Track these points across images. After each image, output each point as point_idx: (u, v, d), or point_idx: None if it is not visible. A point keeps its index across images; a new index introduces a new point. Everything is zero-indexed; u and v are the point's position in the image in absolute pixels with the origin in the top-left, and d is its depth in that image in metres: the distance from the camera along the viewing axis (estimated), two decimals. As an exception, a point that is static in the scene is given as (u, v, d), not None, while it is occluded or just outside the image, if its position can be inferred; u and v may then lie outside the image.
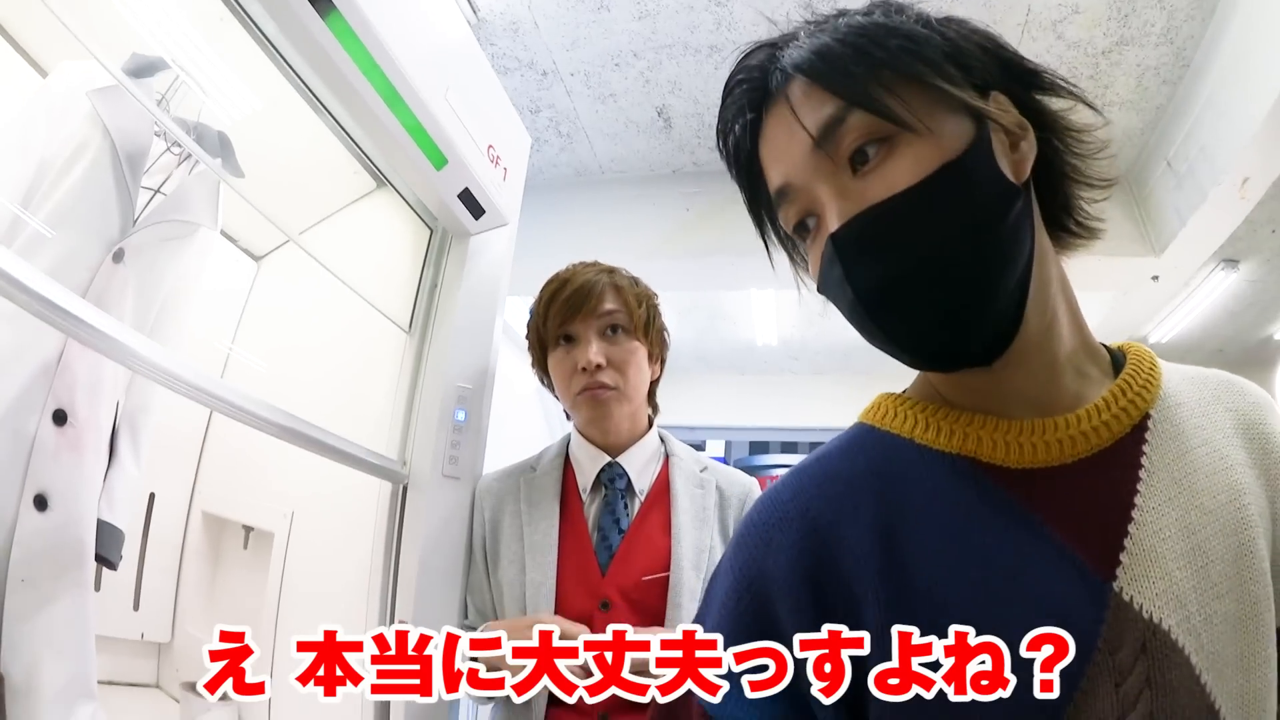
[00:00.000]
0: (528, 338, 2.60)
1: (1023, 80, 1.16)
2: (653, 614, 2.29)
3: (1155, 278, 6.45)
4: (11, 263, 1.58)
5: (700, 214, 6.73)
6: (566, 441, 2.65)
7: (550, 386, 2.61)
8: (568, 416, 2.66)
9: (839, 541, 1.11)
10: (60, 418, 2.30)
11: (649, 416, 2.66)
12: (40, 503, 2.26)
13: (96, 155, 2.40)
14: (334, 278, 2.86)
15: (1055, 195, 1.19)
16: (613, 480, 2.50)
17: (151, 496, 2.99)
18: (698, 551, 2.37)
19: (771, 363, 10.93)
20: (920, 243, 1.02)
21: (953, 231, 1.02)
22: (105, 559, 2.47)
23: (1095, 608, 1.01)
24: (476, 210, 2.84)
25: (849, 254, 1.06)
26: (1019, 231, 1.06)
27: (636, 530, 2.42)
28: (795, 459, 12.34)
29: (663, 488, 2.51)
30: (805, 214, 1.14)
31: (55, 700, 2.23)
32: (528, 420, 8.87)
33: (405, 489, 2.77)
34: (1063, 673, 0.98)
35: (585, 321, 2.43)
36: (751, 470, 12.14)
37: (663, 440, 2.66)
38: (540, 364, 2.59)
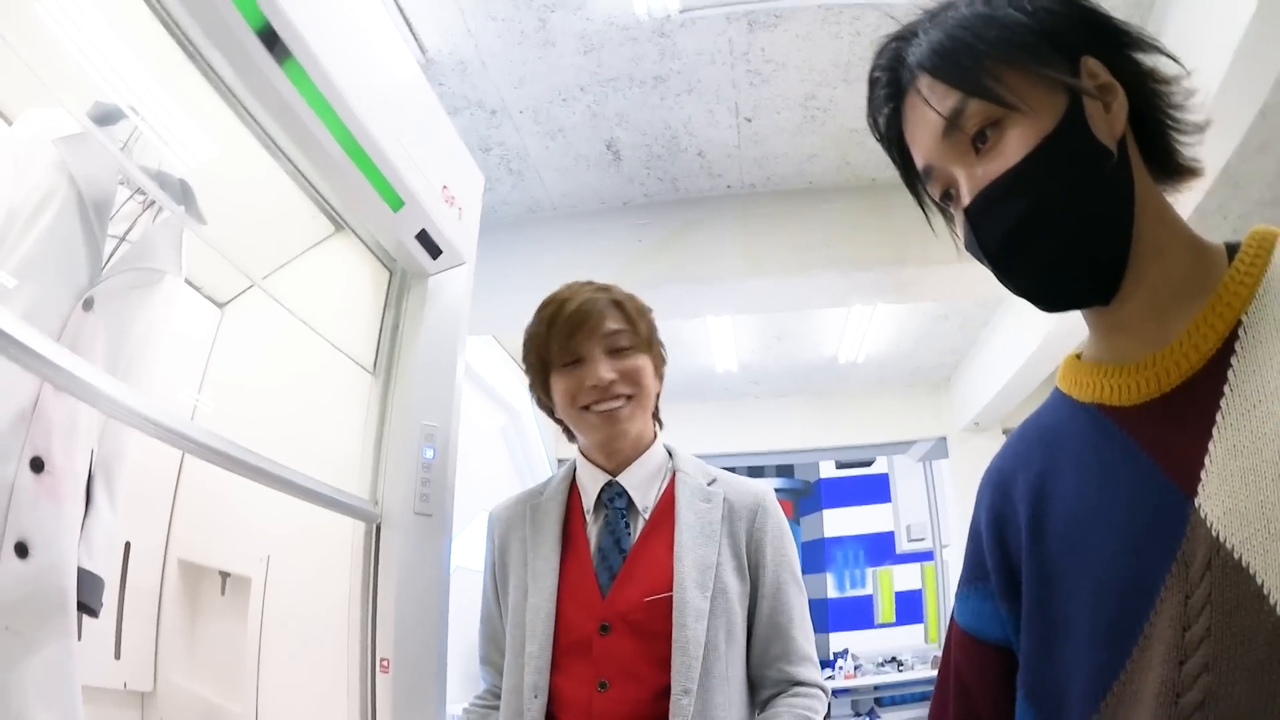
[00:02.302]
0: (526, 360, 2.51)
1: (1112, 41, 1.27)
2: (657, 636, 2.21)
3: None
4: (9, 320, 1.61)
5: (652, 244, 6.79)
6: (574, 466, 2.55)
7: (549, 409, 2.54)
8: (570, 437, 2.57)
9: (1013, 488, 1.38)
10: (38, 465, 2.29)
11: (654, 431, 2.56)
12: (21, 550, 2.24)
13: (64, 203, 2.42)
14: (298, 321, 2.88)
15: (1155, 142, 1.29)
16: (613, 500, 2.40)
17: (127, 545, 2.97)
18: (701, 569, 2.26)
19: (732, 389, 10.98)
20: (1030, 206, 1.20)
21: (1054, 194, 1.19)
22: (87, 606, 2.46)
23: (1178, 524, 1.11)
24: (434, 250, 2.86)
25: (978, 222, 1.25)
26: (1115, 185, 1.21)
27: (639, 550, 2.33)
28: (757, 481, 12.49)
29: (668, 504, 2.39)
30: (947, 187, 1.32)
31: (41, 749, 2.21)
32: (493, 458, 8.88)
33: (379, 528, 2.78)
34: (1143, 585, 1.13)
35: (590, 341, 2.35)
36: (717, 498, 12.26)
37: (670, 455, 2.53)
38: (542, 386, 2.49)
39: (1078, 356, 1.40)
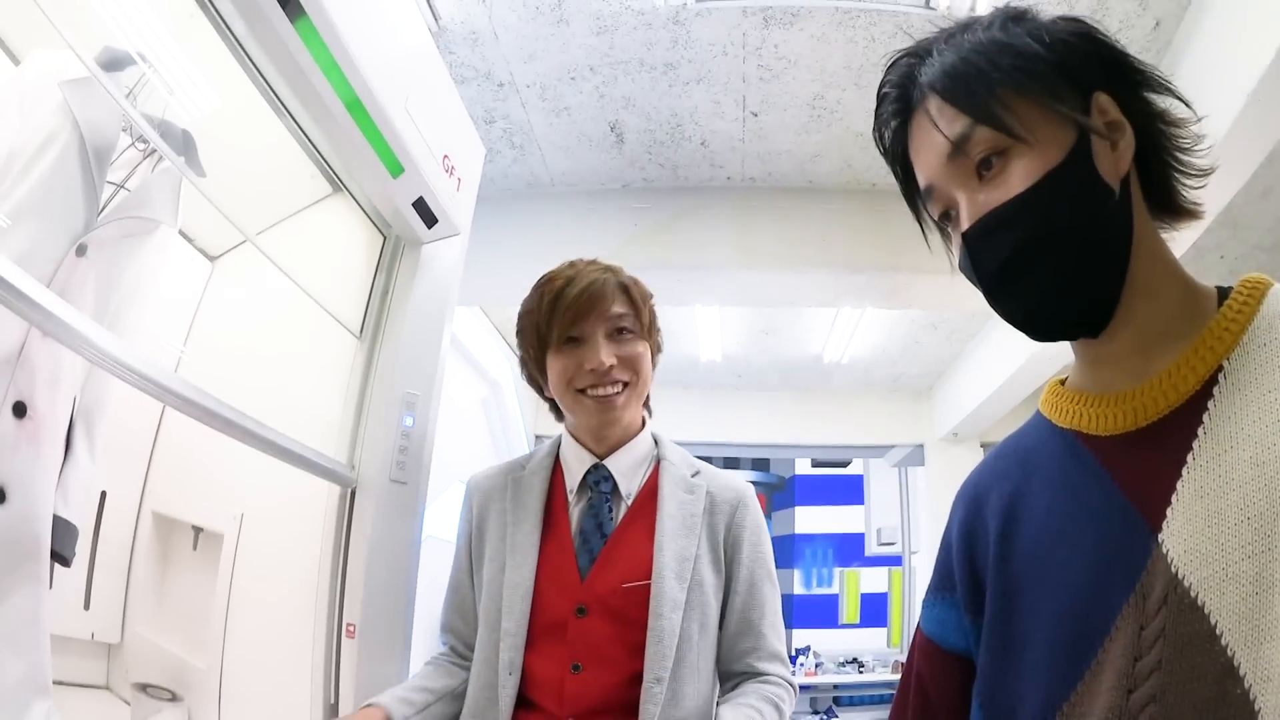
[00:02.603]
0: (521, 335, 2.47)
1: (1126, 79, 1.29)
2: (632, 623, 2.21)
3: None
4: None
5: (647, 229, 6.78)
6: (558, 442, 2.54)
7: (539, 386, 2.53)
8: (557, 415, 2.56)
9: (986, 504, 1.43)
10: (20, 410, 2.28)
11: (643, 418, 2.54)
12: (-1, 495, 2.24)
13: (65, 147, 2.40)
14: (288, 280, 2.87)
15: (1157, 182, 1.32)
16: (598, 483, 2.39)
17: (103, 495, 2.96)
18: (680, 560, 2.27)
19: (715, 379, 11.00)
20: (1028, 238, 1.23)
21: (1053, 228, 1.22)
22: (60, 555, 2.45)
23: (1141, 556, 1.16)
24: (430, 219, 2.85)
25: (976, 248, 1.29)
26: (1114, 223, 1.24)
27: (620, 536, 2.32)
28: (738, 475, 12.49)
29: (651, 493, 2.39)
30: (947, 208, 1.35)
31: (9, 696, 2.22)
32: (471, 430, 8.86)
33: (354, 493, 2.78)
34: (1101, 611, 1.19)
35: (594, 323, 2.32)
36: (692, 486, 12.27)
37: (656, 443, 2.53)
38: (536, 363, 2.44)
39: (1062, 382, 1.44)
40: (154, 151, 2.66)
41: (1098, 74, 1.28)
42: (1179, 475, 1.16)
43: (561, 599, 2.25)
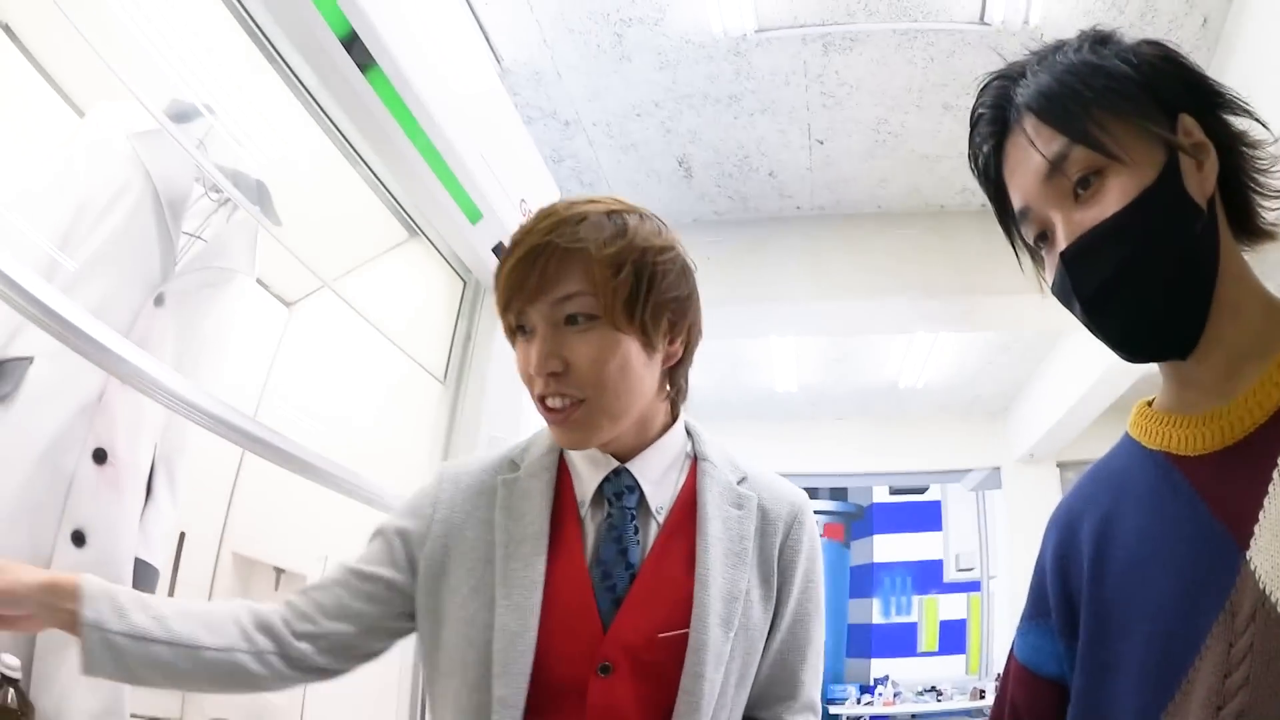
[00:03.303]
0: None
1: (1207, 101, 1.30)
2: (664, 682, 1.64)
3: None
4: (60, 302, 1.64)
5: (720, 263, 6.75)
6: None
7: None
8: None
9: (1080, 528, 1.41)
10: (100, 456, 2.32)
11: (669, 409, 1.86)
12: (78, 539, 2.29)
13: (138, 199, 2.44)
14: (367, 324, 2.90)
15: (1238, 203, 1.32)
16: (619, 495, 1.74)
17: (182, 535, 3.00)
18: (729, 600, 1.68)
19: (791, 409, 10.93)
20: (1125, 257, 1.23)
21: (1149, 247, 1.22)
22: (141, 596, 2.48)
23: (1229, 574, 1.15)
24: (510, 264, 2.88)
25: (1074, 268, 1.27)
26: (1203, 242, 1.24)
27: (654, 567, 1.70)
28: (816, 505, 12.32)
29: (688, 505, 1.78)
30: (1042, 229, 1.34)
31: (86, 732, 2.22)
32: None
33: (439, 535, 2.76)
34: (1191, 631, 1.17)
35: (535, 306, 1.64)
36: (771, 518, 12.23)
37: (690, 436, 1.90)
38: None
39: (1149, 404, 1.42)
40: (227, 201, 2.70)
41: (1182, 96, 1.29)
42: (1265, 492, 1.15)
43: (577, 653, 1.64)
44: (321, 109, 2.43)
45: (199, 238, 2.63)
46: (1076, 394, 8.27)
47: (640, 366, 1.69)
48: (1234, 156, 1.30)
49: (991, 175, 1.44)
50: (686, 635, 1.65)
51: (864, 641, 13.56)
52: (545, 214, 1.72)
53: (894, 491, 15.51)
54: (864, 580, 15.25)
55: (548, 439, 1.85)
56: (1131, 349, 1.30)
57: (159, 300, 2.47)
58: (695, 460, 1.86)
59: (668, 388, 1.83)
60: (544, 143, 5.86)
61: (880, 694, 13.63)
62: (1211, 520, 1.20)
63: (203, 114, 2.59)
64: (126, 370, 1.77)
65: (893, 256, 6.69)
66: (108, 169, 2.46)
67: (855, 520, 16.20)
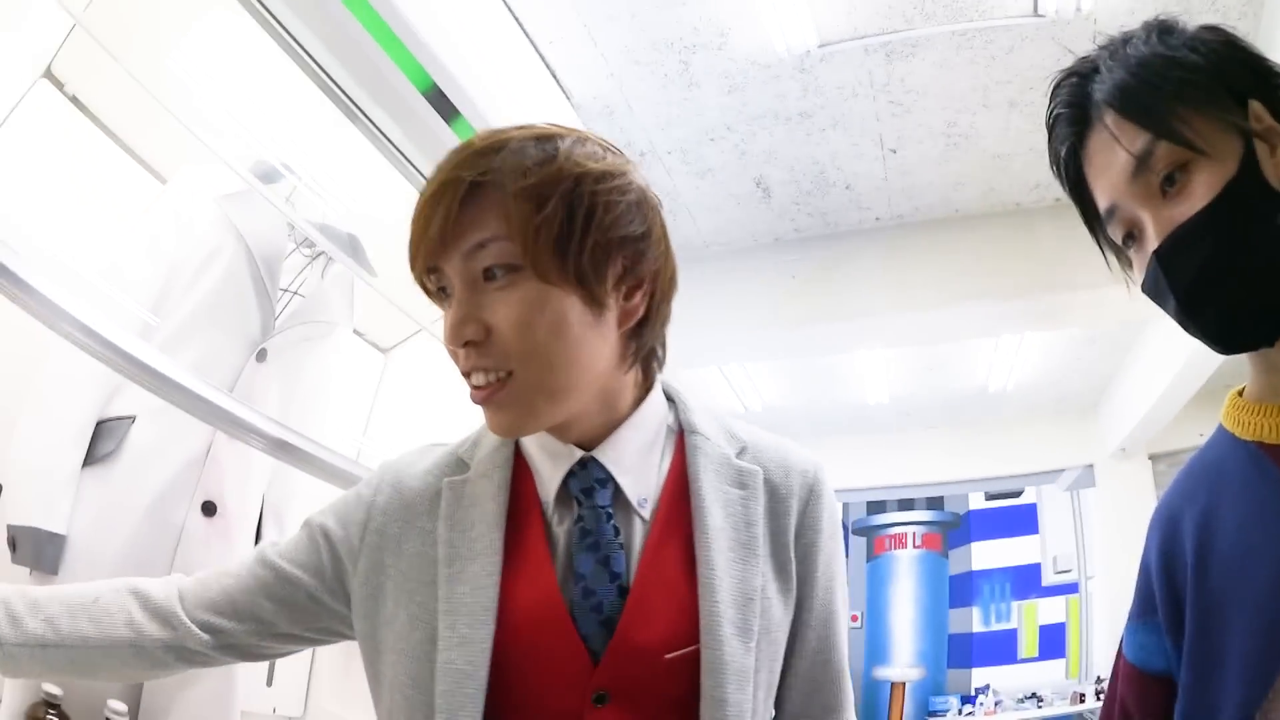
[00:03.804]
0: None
1: (1271, 86, 1.29)
2: (676, 705, 1.35)
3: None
4: (158, 359, 1.70)
5: (805, 280, 6.76)
6: None
7: None
8: None
9: (1181, 525, 1.39)
10: (209, 509, 2.39)
11: (641, 378, 1.53)
12: (190, 588, 2.35)
13: (232, 259, 2.52)
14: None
15: None
16: (589, 491, 1.42)
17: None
18: (743, 603, 1.39)
19: (883, 421, 10.84)
20: (1216, 250, 1.22)
21: (1238, 238, 1.22)
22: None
23: None
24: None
25: (1169, 264, 1.25)
26: None
27: (647, 575, 1.39)
28: (913, 516, 12.28)
29: (679, 493, 1.47)
30: (1130, 228, 1.34)
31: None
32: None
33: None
34: None
35: (450, 261, 1.32)
36: (870, 531, 12.09)
37: (672, 403, 1.59)
38: None
39: (1240, 394, 1.41)
40: (320, 254, 2.77)
41: (1249, 82, 1.28)
42: None
43: (561, 687, 1.34)
44: (407, 159, 2.48)
45: (296, 293, 2.69)
46: (1164, 383, 8.15)
47: (583, 328, 1.34)
48: None
49: (1072, 175, 1.43)
50: (698, 652, 1.34)
51: (965, 651, 13.42)
52: (461, 147, 1.39)
53: (989, 497, 15.31)
54: (963, 589, 15.05)
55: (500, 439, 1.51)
56: (1224, 340, 1.30)
57: (261, 356, 2.54)
58: (682, 434, 1.53)
59: (631, 355, 1.46)
60: (620, 174, 5.90)
61: (981, 704, 13.47)
62: None
63: (286, 174, 2.65)
64: (227, 421, 1.82)
65: (973, 259, 6.64)
66: (197, 232, 2.53)
67: (952, 529, 15.98)
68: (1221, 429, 1.41)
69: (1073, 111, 1.39)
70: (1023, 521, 15.42)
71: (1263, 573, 1.22)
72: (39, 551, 2.23)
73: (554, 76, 5.08)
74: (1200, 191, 1.23)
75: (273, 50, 2.54)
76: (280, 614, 1.48)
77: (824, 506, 1.54)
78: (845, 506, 11.58)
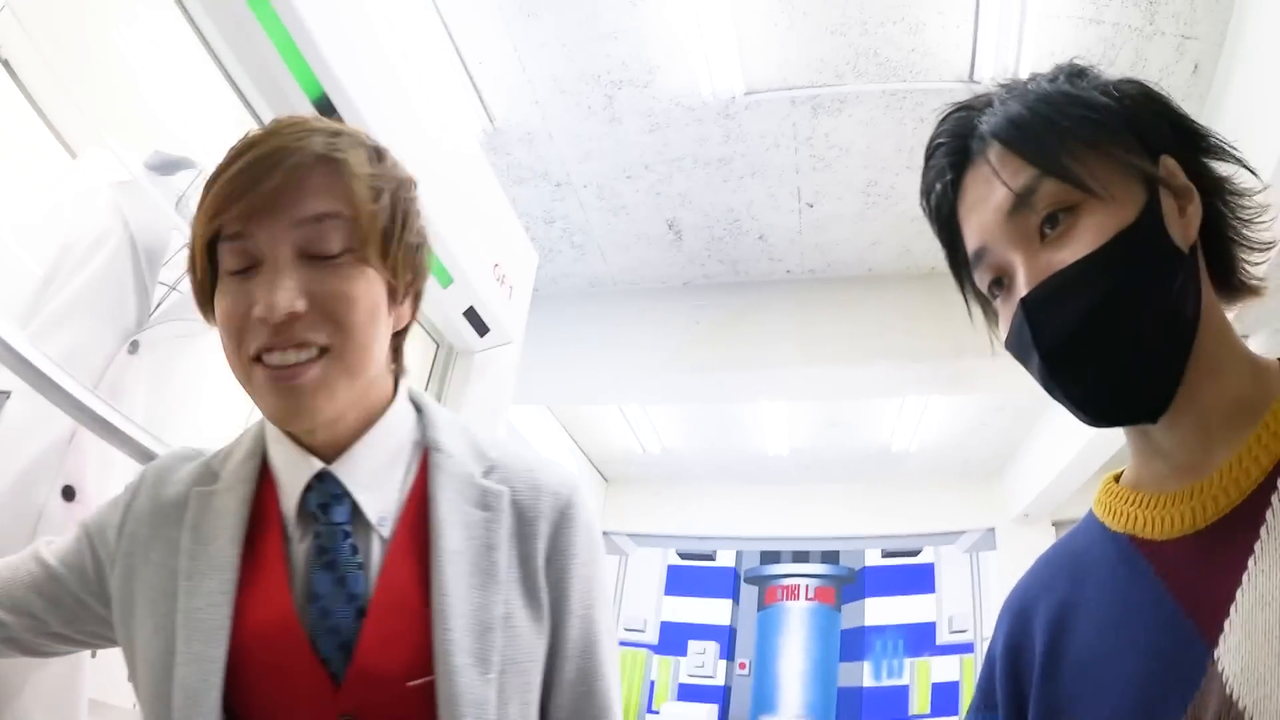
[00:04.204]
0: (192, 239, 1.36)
1: (1191, 144, 1.20)
2: None
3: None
4: (26, 347, 1.65)
5: (711, 326, 6.79)
6: (263, 433, 1.49)
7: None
8: None
9: (1034, 617, 1.27)
10: (69, 493, 2.34)
11: (392, 384, 1.51)
12: (45, 571, 2.30)
13: (117, 247, 2.48)
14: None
15: (1220, 256, 1.20)
16: (326, 507, 1.36)
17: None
18: (480, 633, 1.33)
19: (782, 472, 10.87)
20: (1098, 303, 1.09)
21: (1125, 294, 1.09)
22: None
23: (1195, 675, 1.02)
24: (481, 328, 2.90)
25: (1037, 316, 1.13)
26: (1184, 294, 1.11)
27: (384, 599, 1.33)
28: (807, 569, 12.32)
29: (418, 513, 1.41)
30: (998, 275, 1.20)
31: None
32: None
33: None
34: None
35: (273, 227, 1.27)
36: (762, 580, 12.12)
37: (420, 411, 1.54)
38: (201, 290, 1.37)
39: (1116, 479, 1.29)
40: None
41: (1164, 136, 1.18)
42: (1239, 583, 1.02)
43: (306, 711, 1.30)
44: None
45: (175, 289, 2.64)
46: (1071, 451, 8.22)
47: (382, 319, 1.37)
48: (1217, 204, 1.20)
49: (945, 213, 1.31)
50: (431, 683, 1.29)
51: (855, 705, 13.48)
52: (286, 122, 1.35)
53: (887, 554, 15.45)
54: (855, 643, 15.13)
55: (252, 441, 1.48)
56: (1095, 411, 1.15)
57: (133, 347, 2.49)
58: (428, 451, 1.47)
59: (393, 359, 1.49)
60: (535, 203, 5.96)
61: (872, 757, 13.56)
62: (1177, 614, 1.07)
63: (187, 166, 2.61)
64: (87, 417, 1.77)
65: (883, 319, 6.69)
66: (91, 215, 2.50)
67: (847, 584, 16.10)
68: (1091, 516, 1.29)
69: (954, 143, 1.27)
70: (919, 580, 15.55)
71: (1120, 681, 1.10)
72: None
73: (479, 97, 5.09)
74: (1086, 236, 1.10)
75: (193, 46, 2.50)
76: (50, 612, 1.43)
77: (577, 530, 1.49)
78: (739, 555, 11.61)
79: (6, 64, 2.60)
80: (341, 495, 1.37)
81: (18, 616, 1.41)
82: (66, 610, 1.43)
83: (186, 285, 2.68)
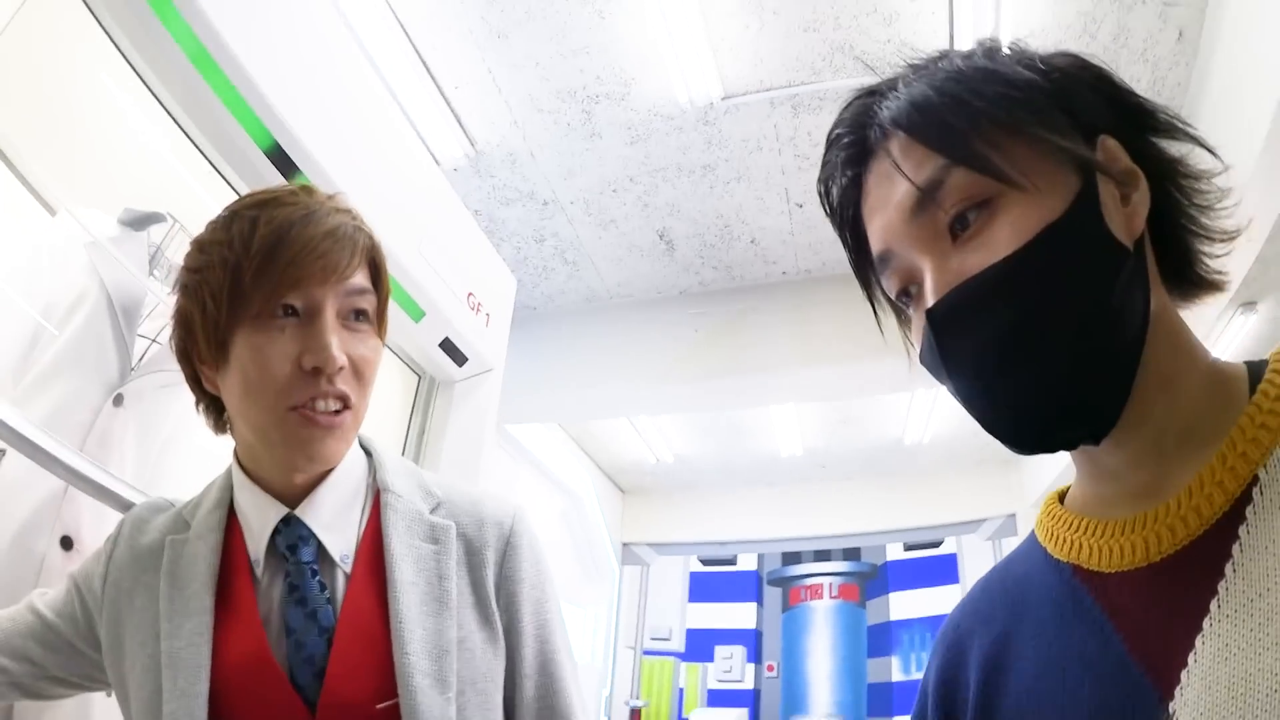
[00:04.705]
0: (189, 284, 1.45)
1: (1136, 122, 1.03)
2: None
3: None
4: (13, 417, 1.67)
5: (710, 334, 6.79)
6: (229, 482, 1.60)
7: (197, 378, 1.54)
8: (216, 424, 1.62)
9: (969, 652, 1.14)
10: (67, 543, 2.37)
11: None
12: (46, 621, 2.33)
13: (94, 305, 2.52)
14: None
15: (1173, 247, 1.05)
16: (294, 548, 1.48)
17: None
18: (437, 655, 1.45)
19: (798, 472, 10.86)
20: (1019, 316, 0.94)
21: (1054, 302, 0.93)
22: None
23: None
24: (459, 358, 2.92)
25: (945, 329, 0.98)
26: (1128, 297, 0.95)
27: (348, 628, 1.44)
28: (830, 567, 12.29)
29: (374, 549, 1.53)
30: (907, 282, 1.05)
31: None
32: (553, 544, 8.84)
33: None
34: None
35: (327, 292, 1.41)
36: (785, 581, 12.10)
37: (369, 455, 1.67)
38: (209, 338, 1.42)
39: (1060, 497, 1.15)
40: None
41: (1103, 114, 1.01)
42: (1199, 628, 0.87)
43: None
44: None
45: (155, 341, 2.67)
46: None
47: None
48: (1169, 190, 1.04)
49: (848, 215, 1.15)
50: (395, 706, 1.40)
51: (885, 700, 13.43)
52: (309, 191, 1.50)
53: (908, 548, 15.38)
54: (882, 639, 15.08)
55: (219, 491, 1.58)
56: (1021, 438, 1.00)
57: (118, 400, 2.52)
58: (380, 492, 1.59)
59: None
60: (524, 223, 5.99)
61: (907, 751, 13.48)
62: (1127, 660, 0.92)
63: (158, 221, 2.65)
64: (73, 476, 1.80)
65: (882, 317, 6.55)
66: (68, 275, 2.54)
67: (870, 580, 16.05)
68: (1033, 540, 1.15)
69: (854, 134, 1.11)
70: (942, 571, 15.48)
71: None
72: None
73: (459, 122, 5.12)
74: (1004, 235, 0.94)
75: (156, 112, 2.54)
76: (48, 658, 1.53)
77: (522, 556, 1.61)
78: (760, 558, 11.58)
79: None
80: (308, 536, 1.49)
81: (19, 663, 1.51)
82: (62, 656, 1.54)
83: (166, 335, 2.73)
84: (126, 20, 2.10)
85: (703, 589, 12.20)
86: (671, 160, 5.47)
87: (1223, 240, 1.06)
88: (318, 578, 1.47)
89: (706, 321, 6.84)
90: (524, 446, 7.80)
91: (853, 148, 1.11)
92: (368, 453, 1.67)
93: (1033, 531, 1.16)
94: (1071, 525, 1.07)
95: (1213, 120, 4.55)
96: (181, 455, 2.77)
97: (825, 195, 1.18)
